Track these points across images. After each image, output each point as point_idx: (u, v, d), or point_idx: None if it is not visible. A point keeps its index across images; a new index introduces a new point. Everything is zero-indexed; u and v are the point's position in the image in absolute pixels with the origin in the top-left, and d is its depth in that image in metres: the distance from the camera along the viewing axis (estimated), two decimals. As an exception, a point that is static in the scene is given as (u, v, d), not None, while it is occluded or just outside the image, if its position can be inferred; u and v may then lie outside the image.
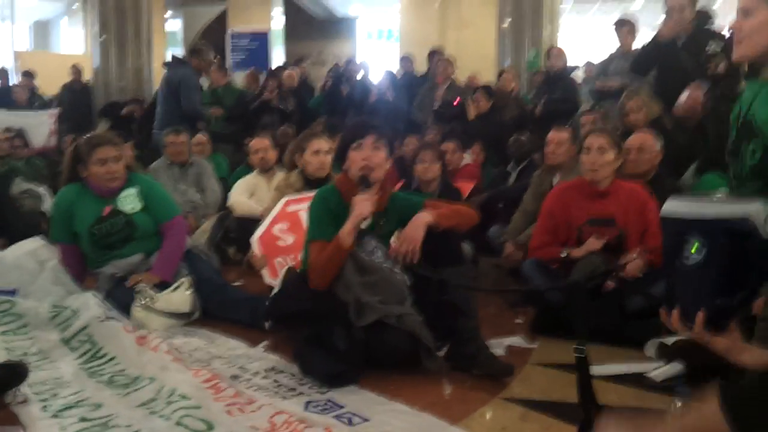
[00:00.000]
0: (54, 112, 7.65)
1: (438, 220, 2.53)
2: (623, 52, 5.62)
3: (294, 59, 8.86)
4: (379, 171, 2.59)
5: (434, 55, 7.71)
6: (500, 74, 7.15)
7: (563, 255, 3.10)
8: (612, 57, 5.81)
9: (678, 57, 4.19)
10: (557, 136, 4.00)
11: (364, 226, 2.44)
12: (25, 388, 2.29)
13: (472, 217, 2.76)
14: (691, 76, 4.16)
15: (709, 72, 4.09)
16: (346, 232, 2.46)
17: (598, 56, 7.12)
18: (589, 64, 7.53)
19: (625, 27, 5.60)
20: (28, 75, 9.02)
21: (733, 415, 1.18)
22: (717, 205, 1.49)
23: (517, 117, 6.44)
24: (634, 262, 2.90)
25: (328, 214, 2.57)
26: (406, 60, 7.95)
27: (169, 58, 7.08)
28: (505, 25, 9.02)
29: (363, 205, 2.45)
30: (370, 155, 2.57)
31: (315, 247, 2.58)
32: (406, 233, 2.51)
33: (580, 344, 1.77)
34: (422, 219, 2.52)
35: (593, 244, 3.06)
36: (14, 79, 9.74)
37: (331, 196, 2.64)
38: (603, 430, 1.42)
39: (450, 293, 2.53)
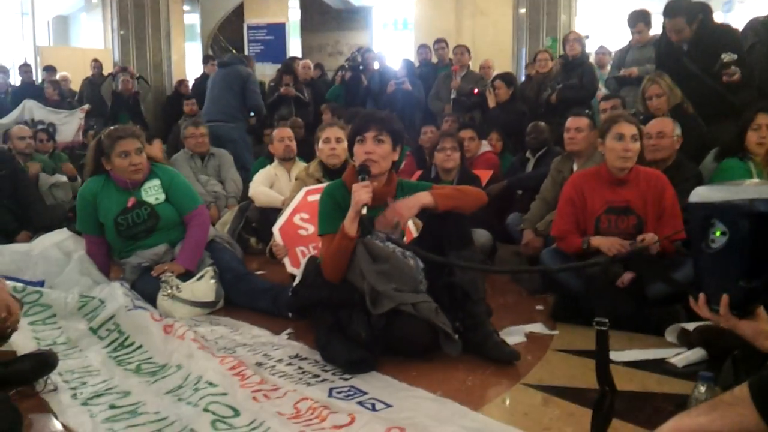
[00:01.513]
0: (85, 108, 7.74)
1: (436, 201, 2.54)
2: (639, 41, 5.59)
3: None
4: (381, 163, 2.62)
5: (438, 44, 7.64)
6: (535, 57, 7.07)
7: (584, 247, 3.06)
8: (628, 47, 5.77)
9: (683, 62, 4.15)
10: (576, 123, 3.98)
11: (364, 212, 2.46)
12: (54, 377, 2.34)
13: (478, 197, 2.74)
14: (700, 79, 4.12)
15: (724, 80, 4.04)
16: (349, 220, 2.50)
17: (615, 42, 7.06)
18: (601, 49, 7.44)
19: (638, 24, 5.56)
20: (49, 70, 9.11)
21: (762, 406, 1.17)
22: (741, 189, 1.49)
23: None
24: (649, 236, 2.88)
25: (336, 208, 2.62)
26: (423, 49, 7.88)
27: (187, 51, 7.23)
28: (521, 12, 8.97)
29: (361, 192, 2.47)
30: (372, 149, 2.61)
31: (325, 240, 2.65)
32: (396, 205, 2.52)
33: (601, 318, 1.78)
34: (418, 199, 2.53)
35: (615, 247, 2.96)
36: (37, 74, 9.84)
37: (337, 191, 2.70)
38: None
39: (457, 276, 2.56)
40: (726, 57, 4.03)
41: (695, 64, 4.14)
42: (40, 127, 6.74)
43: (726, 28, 4.48)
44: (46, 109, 7.41)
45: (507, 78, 6.22)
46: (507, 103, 6.05)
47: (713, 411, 1.24)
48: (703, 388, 1.90)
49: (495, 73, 7.41)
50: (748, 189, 1.48)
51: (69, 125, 7.38)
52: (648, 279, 2.92)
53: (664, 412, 1.34)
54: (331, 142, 3.68)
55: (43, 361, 2.33)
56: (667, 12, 4.26)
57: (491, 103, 6.08)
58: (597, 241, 3.04)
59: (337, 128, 3.72)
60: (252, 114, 6.53)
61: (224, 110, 6.12)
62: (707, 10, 4.32)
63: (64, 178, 5.44)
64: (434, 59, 7.54)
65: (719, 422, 1.22)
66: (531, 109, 6.21)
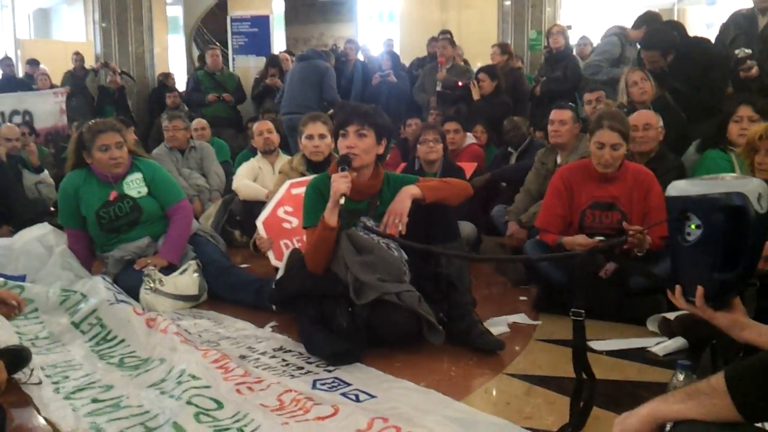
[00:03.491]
0: (62, 90, 7.55)
1: (424, 193, 2.57)
2: (632, 37, 5.55)
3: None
4: (363, 157, 2.63)
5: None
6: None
7: (558, 244, 3.06)
8: (616, 39, 5.73)
9: (665, 81, 4.17)
10: (560, 116, 3.99)
11: (342, 201, 2.48)
12: (37, 371, 2.33)
13: (463, 189, 2.78)
14: (695, 93, 4.12)
15: (742, 75, 3.99)
16: (328, 211, 2.52)
17: (598, 33, 7.03)
18: (583, 40, 7.42)
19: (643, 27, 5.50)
20: (32, 63, 8.99)
21: (736, 397, 1.18)
22: (716, 183, 1.51)
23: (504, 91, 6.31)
24: (637, 235, 2.87)
25: (320, 200, 2.63)
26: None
27: (171, 44, 7.15)
28: (507, 5, 8.97)
29: (339, 182, 2.49)
30: (354, 143, 2.62)
31: (309, 233, 2.67)
32: (391, 206, 2.56)
33: (578, 308, 1.80)
34: (407, 192, 2.56)
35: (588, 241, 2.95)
36: (19, 68, 9.71)
37: (322, 184, 2.70)
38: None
39: (444, 267, 2.58)
40: (740, 52, 3.95)
41: (678, 80, 4.16)
42: (15, 118, 6.59)
43: (701, 39, 4.57)
44: (13, 96, 7.15)
45: (491, 71, 6.21)
46: (491, 95, 6.05)
47: (689, 399, 1.26)
48: (681, 377, 1.92)
49: (474, 64, 7.41)
50: (724, 183, 1.51)
51: (47, 108, 7.13)
52: (630, 272, 2.93)
53: (645, 400, 1.35)
54: (314, 139, 3.67)
55: (17, 356, 2.30)
56: (644, 44, 4.37)
57: (475, 95, 6.08)
58: (568, 241, 3.01)
59: (320, 124, 3.70)
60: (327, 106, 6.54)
61: (301, 102, 6.21)
62: (680, 28, 4.42)
63: (50, 179, 5.36)
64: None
65: (695, 411, 1.23)
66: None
